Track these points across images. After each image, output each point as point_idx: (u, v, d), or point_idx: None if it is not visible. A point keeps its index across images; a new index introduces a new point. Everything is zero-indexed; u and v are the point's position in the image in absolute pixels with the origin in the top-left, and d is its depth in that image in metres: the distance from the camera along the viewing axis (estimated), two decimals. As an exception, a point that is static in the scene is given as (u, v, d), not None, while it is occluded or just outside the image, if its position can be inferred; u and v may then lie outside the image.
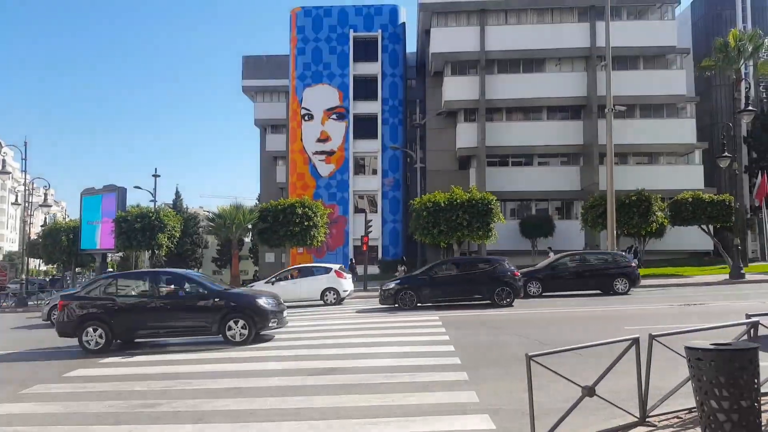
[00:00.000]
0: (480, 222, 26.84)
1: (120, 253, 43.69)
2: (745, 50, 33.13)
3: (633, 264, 20.76)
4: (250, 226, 30.00)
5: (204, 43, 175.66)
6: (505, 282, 16.76)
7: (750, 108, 28.00)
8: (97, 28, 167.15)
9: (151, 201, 39.64)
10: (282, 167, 49.28)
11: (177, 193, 71.28)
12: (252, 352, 10.32)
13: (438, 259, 24.80)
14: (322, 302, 20.77)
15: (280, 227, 29.22)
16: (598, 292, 19.55)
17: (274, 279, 21.87)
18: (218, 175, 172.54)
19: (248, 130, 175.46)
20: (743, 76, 36.55)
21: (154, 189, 40.09)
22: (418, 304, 16.99)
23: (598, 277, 19.84)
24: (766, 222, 29.31)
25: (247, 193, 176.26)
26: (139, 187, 41.50)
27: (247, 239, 55.76)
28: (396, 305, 17.09)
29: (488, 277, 17.01)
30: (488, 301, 16.77)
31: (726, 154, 27.71)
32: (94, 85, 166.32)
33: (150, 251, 31.56)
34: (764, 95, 41.34)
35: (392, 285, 17.74)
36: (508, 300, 16.58)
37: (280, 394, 7.01)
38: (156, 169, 41.89)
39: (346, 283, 21.80)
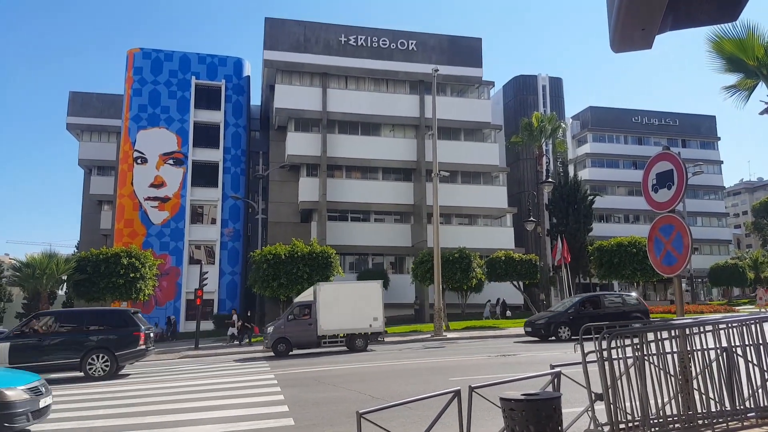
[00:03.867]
0: (320, 275, 27.13)
1: None
2: (545, 130, 38.86)
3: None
4: (65, 278, 26.75)
5: (22, 73, 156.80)
6: None
7: (550, 180, 32.68)
8: None
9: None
10: (108, 212, 45.22)
11: (-26, 237, 61.38)
12: (49, 425, 9.15)
13: (276, 313, 24.37)
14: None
15: (101, 279, 26.55)
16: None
17: None
18: (31, 219, 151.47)
19: (70, 171, 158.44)
20: (544, 152, 42.64)
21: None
22: None
23: None
24: (566, 279, 33.67)
25: (65, 240, 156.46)
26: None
27: (61, 292, 49.57)
28: None
29: None
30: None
31: (531, 218, 31.77)
32: None
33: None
34: (561, 169, 48.26)
35: None
36: None
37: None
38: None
39: None
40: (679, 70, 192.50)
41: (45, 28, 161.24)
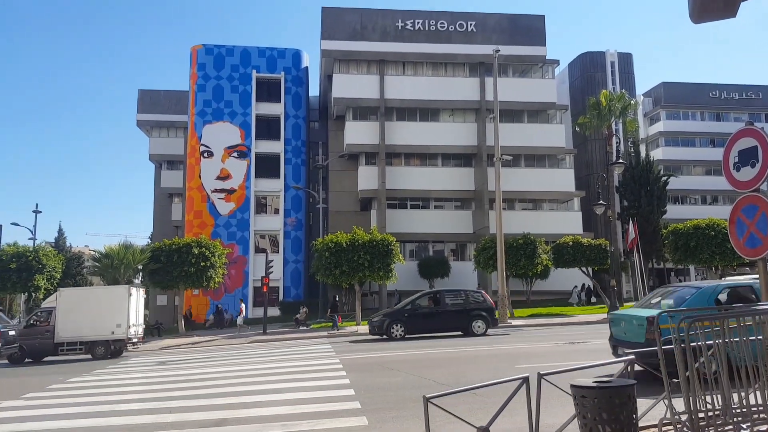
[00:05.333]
0: (381, 263, 27.28)
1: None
2: (615, 109, 37.10)
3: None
4: (140, 267, 28.37)
5: (95, 75, 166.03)
6: None
7: (620, 161, 31.24)
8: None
9: (30, 239, 36.51)
10: (178, 205, 47.29)
11: (60, 231, 66.45)
12: (134, 405, 9.65)
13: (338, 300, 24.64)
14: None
15: (174, 268, 27.89)
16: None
17: None
18: (108, 213, 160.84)
19: (142, 166, 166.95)
20: (614, 132, 40.81)
21: (34, 226, 37.07)
22: None
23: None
24: (638, 265, 32.24)
25: (140, 231, 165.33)
26: (17, 224, 38.12)
27: (137, 281, 52.60)
28: None
29: None
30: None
31: (601, 202, 30.53)
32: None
33: (26, 294, 28.96)
34: (632, 150, 46.09)
35: None
36: None
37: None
38: (37, 204, 38.68)
39: None
40: (763, 39, 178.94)
41: (109, 30, 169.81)
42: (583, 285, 36.22)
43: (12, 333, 18.09)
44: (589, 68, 50.02)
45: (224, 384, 11.38)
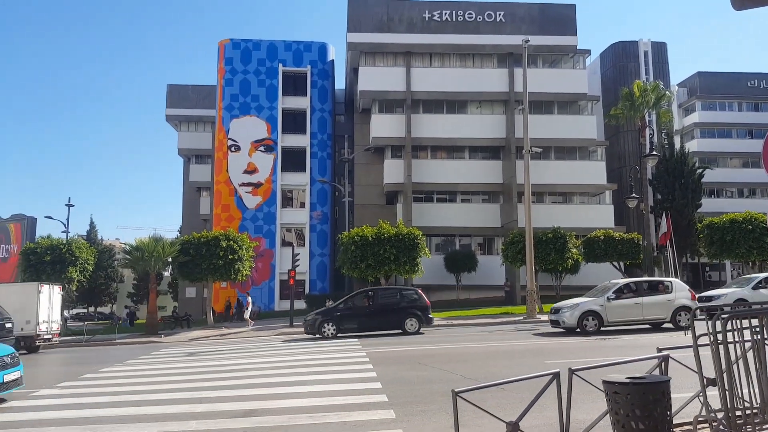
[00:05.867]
0: (407, 256, 27.18)
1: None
2: (648, 100, 36.16)
3: None
4: (170, 260, 28.88)
5: (125, 70, 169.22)
6: None
7: (654, 153, 30.45)
8: (15, 52, 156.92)
9: (64, 232, 37.42)
10: (206, 198, 47.98)
11: (92, 224, 68.31)
12: (165, 395, 9.76)
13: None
14: None
15: (203, 261, 28.28)
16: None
17: None
18: (137, 206, 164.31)
19: (171, 160, 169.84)
20: (647, 124, 39.79)
21: (67, 219, 37.92)
22: None
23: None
24: (671, 259, 31.49)
25: (169, 225, 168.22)
26: (51, 217, 39.15)
27: (167, 273, 53.48)
28: None
29: None
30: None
31: (634, 195, 29.84)
32: (2, 109, 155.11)
33: (60, 285, 29.84)
34: (666, 141, 44.90)
35: None
36: None
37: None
38: (69, 198, 39.57)
39: None
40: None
41: (138, 26, 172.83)
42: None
43: (9, 326, 18.57)
44: (621, 58, 48.86)
45: (252, 375, 11.47)
